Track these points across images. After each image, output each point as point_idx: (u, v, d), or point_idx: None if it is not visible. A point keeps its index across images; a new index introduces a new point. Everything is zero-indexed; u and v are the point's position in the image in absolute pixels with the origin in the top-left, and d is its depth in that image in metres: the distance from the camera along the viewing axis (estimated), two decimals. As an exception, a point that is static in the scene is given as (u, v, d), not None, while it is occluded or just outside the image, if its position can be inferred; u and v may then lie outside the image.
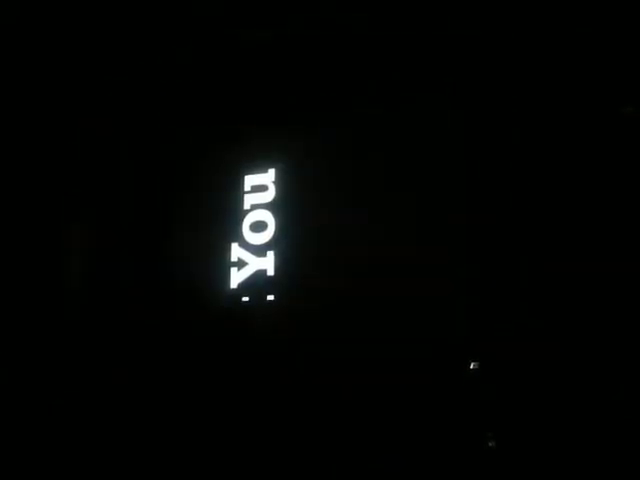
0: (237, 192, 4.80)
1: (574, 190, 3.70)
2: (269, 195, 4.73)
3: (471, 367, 3.09)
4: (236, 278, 4.59)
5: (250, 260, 4.63)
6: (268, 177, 4.76)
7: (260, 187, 4.77)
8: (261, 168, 4.79)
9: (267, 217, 4.69)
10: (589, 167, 3.70)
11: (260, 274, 4.56)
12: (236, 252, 4.67)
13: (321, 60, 4.44)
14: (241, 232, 4.69)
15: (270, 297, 4.49)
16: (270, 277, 4.53)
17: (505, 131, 4.09)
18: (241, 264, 4.62)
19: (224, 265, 4.64)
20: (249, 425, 3.68)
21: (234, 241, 4.68)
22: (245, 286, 4.57)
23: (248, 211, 4.74)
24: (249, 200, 4.78)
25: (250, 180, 4.82)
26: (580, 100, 3.76)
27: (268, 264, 4.55)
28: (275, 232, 4.61)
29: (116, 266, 4.54)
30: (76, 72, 4.29)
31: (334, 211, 4.44)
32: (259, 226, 4.67)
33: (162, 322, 4.36)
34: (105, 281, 4.47)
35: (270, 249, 4.59)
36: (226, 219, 4.79)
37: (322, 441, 3.46)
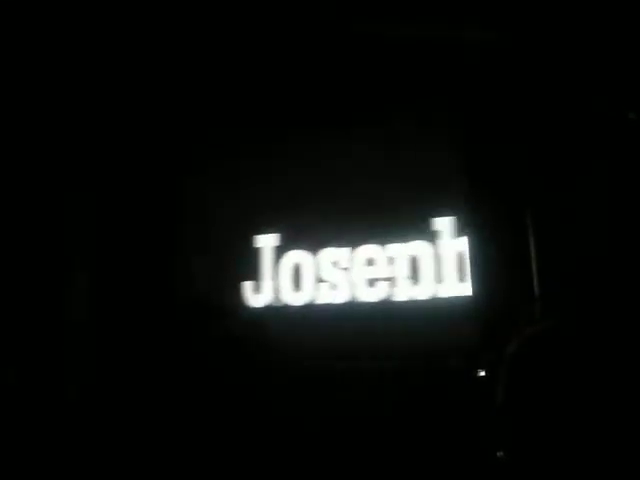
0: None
1: (576, 193, 3.69)
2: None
3: (478, 375, 3.07)
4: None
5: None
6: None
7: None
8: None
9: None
10: (591, 170, 3.69)
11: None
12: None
13: (320, 68, 4.44)
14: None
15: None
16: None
17: (506, 133, 4.09)
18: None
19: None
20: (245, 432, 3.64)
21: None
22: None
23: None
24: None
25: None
26: (581, 105, 3.75)
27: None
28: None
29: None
30: (77, 73, 4.28)
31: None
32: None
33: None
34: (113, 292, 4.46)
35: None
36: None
37: (323, 450, 3.41)
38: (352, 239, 4.35)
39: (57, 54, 4.13)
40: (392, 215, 4.28)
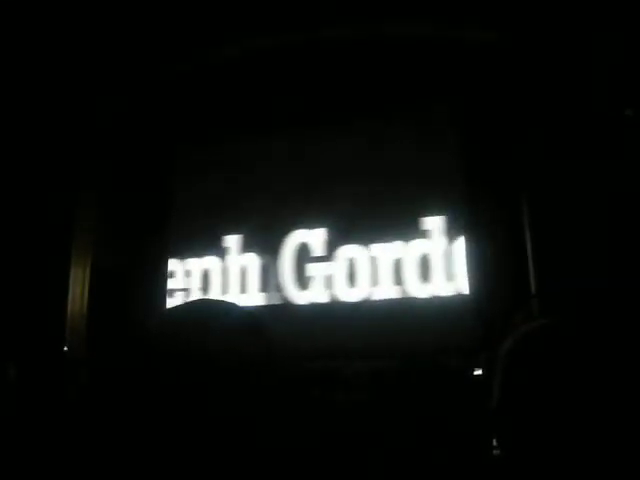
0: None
1: (575, 192, 3.68)
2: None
3: (474, 374, 3.06)
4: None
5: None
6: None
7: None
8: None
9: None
10: (590, 169, 3.68)
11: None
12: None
13: (319, 72, 4.45)
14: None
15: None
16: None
17: (505, 133, 4.08)
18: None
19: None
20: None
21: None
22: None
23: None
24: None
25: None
26: (580, 104, 3.74)
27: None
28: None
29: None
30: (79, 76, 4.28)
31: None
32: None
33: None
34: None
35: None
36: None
37: (320, 450, 3.40)
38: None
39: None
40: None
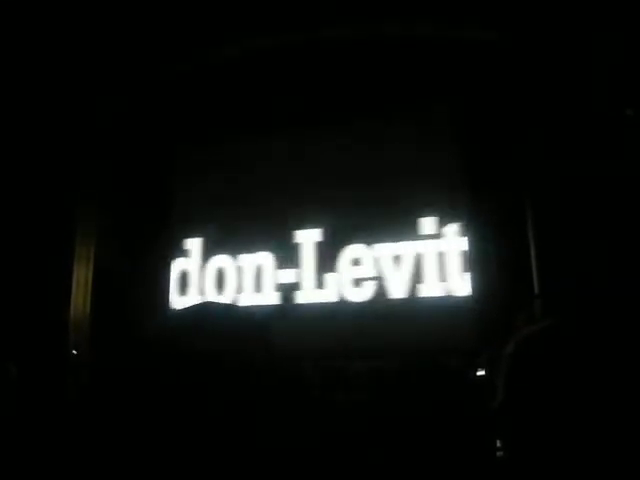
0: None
1: (577, 192, 3.68)
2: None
3: (477, 374, 3.05)
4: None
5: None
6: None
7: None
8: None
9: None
10: (592, 170, 3.68)
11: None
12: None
13: (319, 72, 4.45)
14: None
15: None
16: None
17: (507, 133, 4.08)
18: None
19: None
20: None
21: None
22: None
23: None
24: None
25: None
26: (578, 104, 3.74)
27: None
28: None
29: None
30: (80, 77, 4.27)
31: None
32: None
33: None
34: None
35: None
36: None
37: (320, 450, 3.39)
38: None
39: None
40: None
